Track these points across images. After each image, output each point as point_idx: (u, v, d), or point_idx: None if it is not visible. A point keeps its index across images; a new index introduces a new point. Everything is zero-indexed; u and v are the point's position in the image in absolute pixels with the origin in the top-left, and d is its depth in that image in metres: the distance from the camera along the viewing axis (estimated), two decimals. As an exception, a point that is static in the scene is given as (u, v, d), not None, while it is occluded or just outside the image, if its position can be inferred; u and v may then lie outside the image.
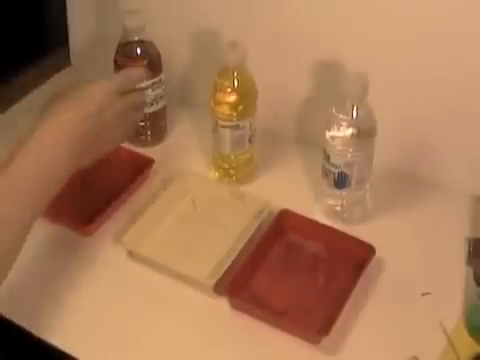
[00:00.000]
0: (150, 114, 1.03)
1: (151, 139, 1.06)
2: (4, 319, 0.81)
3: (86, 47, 1.22)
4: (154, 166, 1.01)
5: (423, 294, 0.85)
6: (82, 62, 1.24)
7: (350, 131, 0.87)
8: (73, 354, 0.79)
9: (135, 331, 0.82)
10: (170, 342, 0.81)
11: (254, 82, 0.94)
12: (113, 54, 1.01)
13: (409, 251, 0.91)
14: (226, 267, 0.85)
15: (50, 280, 0.86)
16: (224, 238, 0.91)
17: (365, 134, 0.88)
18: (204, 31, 1.07)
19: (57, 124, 0.77)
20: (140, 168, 1.00)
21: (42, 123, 0.77)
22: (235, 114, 0.94)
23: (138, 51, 1.00)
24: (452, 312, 0.83)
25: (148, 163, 1.00)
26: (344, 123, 0.87)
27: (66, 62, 1.25)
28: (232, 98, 0.93)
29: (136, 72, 0.91)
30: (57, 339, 0.80)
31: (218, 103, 0.94)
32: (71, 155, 0.77)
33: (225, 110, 0.94)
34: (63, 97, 0.81)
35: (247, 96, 0.94)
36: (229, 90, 0.93)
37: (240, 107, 0.94)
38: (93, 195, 0.97)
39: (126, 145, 1.03)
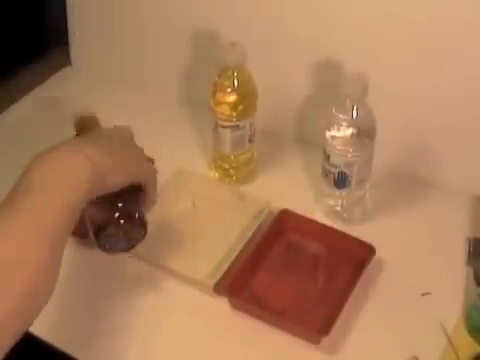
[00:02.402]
0: None
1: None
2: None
3: (86, 47, 1.22)
4: (154, 166, 1.00)
5: (423, 294, 0.85)
6: (82, 62, 1.24)
7: (350, 131, 0.87)
8: (73, 354, 0.79)
9: (135, 331, 0.82)
10: (170, 342, 0.81)
11: (254, 82, 0.94)
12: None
13: (409, 251, 0.91)
14: (226, 267, 0.85)
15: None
16: (224, 238, 0.91)
17: (365, 134, 0.88)
18: (204, 31, 1.07)
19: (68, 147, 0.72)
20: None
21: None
22: (235, 114, 0.94)
23: None
24: (452, 312, 0.83)
25: (148, 163, 1.00)
26: (344, 123, 0.87)
27: (66, 62, 1.25)
28: (232, 98, 0.93)
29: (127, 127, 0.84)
30: (57, 339, 0.80)
31: (218, 103, 0.94)
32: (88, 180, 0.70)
33: (225, 110, 0.94)
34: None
35: (247, 96, 0.94)
36: (229, 90, 0.93)
37: (240, 107, 0.94)
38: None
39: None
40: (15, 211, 0.65)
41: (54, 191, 0.67)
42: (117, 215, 0.78)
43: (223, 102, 0.94)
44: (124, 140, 0.80)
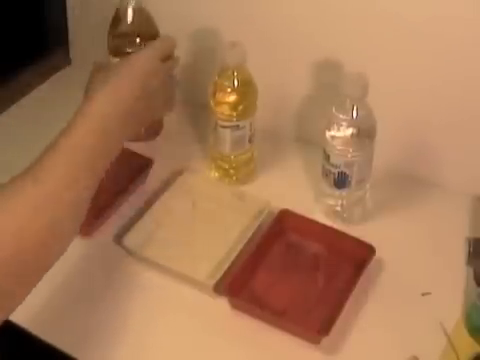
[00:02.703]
0: None
1: (146, 134, 1.05)
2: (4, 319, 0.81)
3: (86, 47, 1.22)
4: (154, 166, 1.01)
5: (423, 294, 0.85)
6: (82, 62, 1.24)
7: (350, 131, 0.87)
8: (73, 354, 0.79)
9: (135, 331, 0.82)
10: (170, 342, 0.81)
11: (254, 82, 0.94)
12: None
13: (409, 251, 0.91)
14: (226, 267, 0.85)
15: (49, 280, 0.86)
16: (224, 238, 0.91)
17: (365, 134, 0.88)
18: (204, 31, 1.07)
19: (109, 94, 0.77)
20: (140, 168, 1.00)
21: (95, 93, 0.77)
22: (235, 114, 0.94)
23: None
24: (452, 312, 0.83)
25: (148, 163, 1.00)
26: (344, 123, 0.87)
27: (66, 62, 1.25)
28: (232, 98, 0.93)
29: (172, 39, 0.89)
30: (57, 339, 0.80)
31: (218, 103, 0.94)
32: (125, 123, 0.78)
33: (225, 110, 0.94)
34: (106, 68, 0.82)
35: (247, 96, 0.94)
36: (229, 90, 0.93)
37: (240, 107, 0.94)
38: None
39: (126, 145, 1.03)
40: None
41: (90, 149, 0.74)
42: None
43: (223, 102, 0.94)
44: (159, 77, 0.84)
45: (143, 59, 0.83)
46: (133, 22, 0.98)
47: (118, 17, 0.98)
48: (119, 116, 0.77)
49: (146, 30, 0.98)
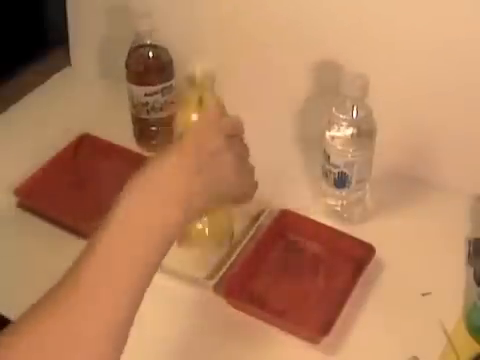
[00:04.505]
0: (161, 119, 1.03)
1: (162, 144, 1.06)
2: (4, 319, 0.81)
3: (86, 47, 1.22)
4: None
5: (423, 294, 0.85)
6: (82, 62, 1.24)
7: (350, 131, 0.87)
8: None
9: (134, 331, 0.82)
10: (169, 342, 0.81)
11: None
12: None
13: (409, 251, 0.91)
14: (226, 267, 0.85)
15: (49, 281, 0.86)
16: (224, 238, 0.91)
17: (365, 134, 0.88)
18: (205, 31, 1.07)
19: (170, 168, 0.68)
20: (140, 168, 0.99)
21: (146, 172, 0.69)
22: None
23: (150, 55, 0.99)
24: (452, 312, 0.83)
25: (148, 163, 1.00)
26: (344, 123, 0.87)
27: (66, 62, 1.25)
28: None
29: (240, 121, 0.73)
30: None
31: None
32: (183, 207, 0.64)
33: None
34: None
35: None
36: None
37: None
38: (93, 195, 0.97)
39: (127, 145, 1.03)
40: (93, 255, 0.65)
41: (135, 247, 0.63)
42: None
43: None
44: (234, 155, 0.70)
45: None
46: (149, 55, 1.00)
47: (134, 49, 1.00)
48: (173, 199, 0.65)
49: (161, 59, 1.00)
